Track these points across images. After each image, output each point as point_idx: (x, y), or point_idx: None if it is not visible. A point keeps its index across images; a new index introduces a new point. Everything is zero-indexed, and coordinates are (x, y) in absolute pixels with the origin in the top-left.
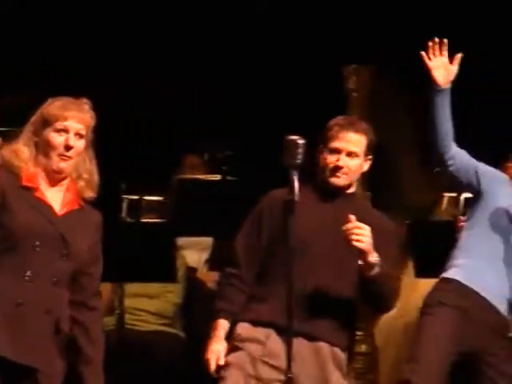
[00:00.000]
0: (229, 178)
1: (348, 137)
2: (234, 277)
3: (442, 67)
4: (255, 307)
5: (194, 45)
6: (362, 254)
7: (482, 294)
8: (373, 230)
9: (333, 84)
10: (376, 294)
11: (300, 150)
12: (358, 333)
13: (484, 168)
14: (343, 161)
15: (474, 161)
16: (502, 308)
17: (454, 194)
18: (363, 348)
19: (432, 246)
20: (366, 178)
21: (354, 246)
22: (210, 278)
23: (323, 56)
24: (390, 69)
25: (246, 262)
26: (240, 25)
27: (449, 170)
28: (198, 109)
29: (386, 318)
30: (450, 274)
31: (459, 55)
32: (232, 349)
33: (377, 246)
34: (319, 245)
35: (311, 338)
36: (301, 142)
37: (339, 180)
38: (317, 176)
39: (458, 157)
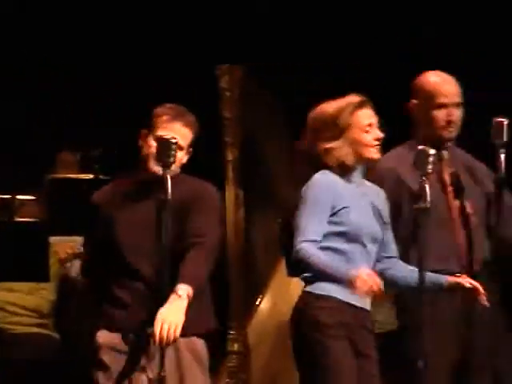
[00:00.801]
0: (101, 176)
1: (176, 128)
2: None
3: None
4: (111, 312)
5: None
6: None
7: (355, 303)
8: (193, 197)
9: (206, 83)
10: None
11: (173, 149)
12: (231, 332)
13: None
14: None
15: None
16: (368, 306)
17: None
18: (236, 347)
19: None
20: (239, 176)
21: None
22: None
23: (196, 55)
24: (263, 68)
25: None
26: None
27: None
28: (71, 107)
29: (259, 316)
30: (323, 289)
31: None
32: (97, 365)
33: (197, 210)
34: (148, 238)
35: None
36: (174, 141)
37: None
38: (140, 163)
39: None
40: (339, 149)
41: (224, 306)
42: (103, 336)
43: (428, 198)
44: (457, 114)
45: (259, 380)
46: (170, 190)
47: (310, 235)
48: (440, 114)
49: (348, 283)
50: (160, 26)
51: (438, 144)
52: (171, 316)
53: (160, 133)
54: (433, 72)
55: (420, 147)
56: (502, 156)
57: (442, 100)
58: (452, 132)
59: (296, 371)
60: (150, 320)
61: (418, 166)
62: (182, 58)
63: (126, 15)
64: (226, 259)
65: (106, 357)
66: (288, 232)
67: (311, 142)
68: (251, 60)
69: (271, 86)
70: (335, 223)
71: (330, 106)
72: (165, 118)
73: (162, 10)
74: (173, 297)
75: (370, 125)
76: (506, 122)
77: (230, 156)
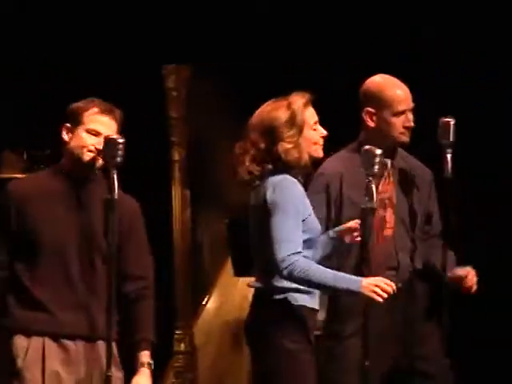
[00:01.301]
0: None
1: (107, 122)
2: None
3: None
4: (28, 315)
5: None
6: None
7: (315, 307)
8: (122, 210)
9: (152, 83)
10: None
11: (120, 149)
12: (178, 332)
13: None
14: (101, 144)
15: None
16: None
17: None
18: (182, 347)
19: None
20: (186, 176)
21: None
22: None
23: (143, 54)
24: (210, 68)
25: None
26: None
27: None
28: (16, 107)
29: (206, 316)
30: (296, 300)
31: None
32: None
33: (127, 227)
34: (77, 233)
35: (89, 338)
36: (121, 141)
37: (98, 162)
38: (66, 157)
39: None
40: (299, 147)
41: (170, 305)
42: (20, 345)
43: (375, 198)
44: (412, 118)
45: (206, 380)
46: (116, 190)
47: (297, 247)
48: (398, 121)
49: (363, 291)
50: (107, 24)
51: (390, 150)
52: None
53: (93, 126)
54: (382, 77)
55: (366, 147)
56: (449, 156)
57: (400, 107)
58: (408, 137)
59: (242, 370)
60: (74, 323)
61: (365, 166)
62: (128, 56)
63: (71, 11)
64: (172, 259)
65: (26, 373)
66: (235, 232)
67: (267, 143)
68: (200, 60)
69: (221, 87)
70: (302, 231)
71: (281, 106)
72: (95, 110)
73: (108, 9)
74: (144, 370)
75: (315, 122)
76: (452, 121)
77: (176, 156)
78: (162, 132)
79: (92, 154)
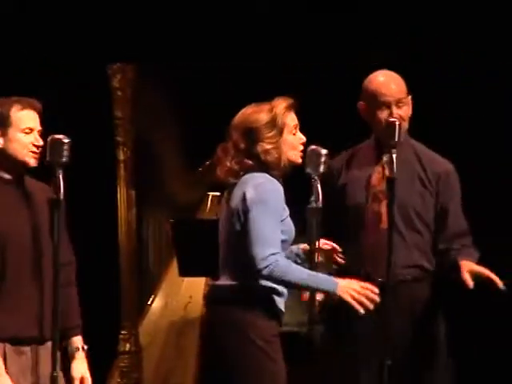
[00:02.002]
0: None
1: (34, 116)
2: None
3: None
4: None
5: None
6: None
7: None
8: (42, 197)
9: (98, 82)
10: None
11: (65, 149)
12: (123, 332)
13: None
14: (39, 140)
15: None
16: None
17: (218, 193)
18: (127, 347)
19: (196, 245)
20: (132, 176)
21: None
22: None
23: (88, 54)
24: (155, 68)
25: None
26: None
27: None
28: None
29: (151, 316)
30: (269, 300)
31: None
32: None
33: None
34: (30, 234)
35: (40, 341)
36: (66, 140)
37: (36, 160)
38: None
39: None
40: (278, 148)
41: (115, 305)
42: None
43: (320, 199)
44: (399, 112)
45: (151, 380)
46: (62, 190)
47: (277, 247)
48: (383, 115)
49: (340, 293)
50: (51, 23)
51: (385, 143)
52: (87, 372)
53: (22, 126)
54: (379, 71)
55: (312, 147)
56: (394, 156)
57: (383, 99)
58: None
59: (187, 370)
60: (31, 326)
61: (310, 166)
62: (73, 56)
63: (14, 9)
64: (117, 259)
65: None
66: (180, 232)
67: (247, 144)
68: (145, 60)
69: (166, 87)
70: (281, 232)
71: (263, 108)
72: (19, 108)
73: (52, 7)
74: (81, 354)
75: (295, 127)
76: (397, 122)
77: (121, 155)
78: (107, 132)
79: (36, 156)
